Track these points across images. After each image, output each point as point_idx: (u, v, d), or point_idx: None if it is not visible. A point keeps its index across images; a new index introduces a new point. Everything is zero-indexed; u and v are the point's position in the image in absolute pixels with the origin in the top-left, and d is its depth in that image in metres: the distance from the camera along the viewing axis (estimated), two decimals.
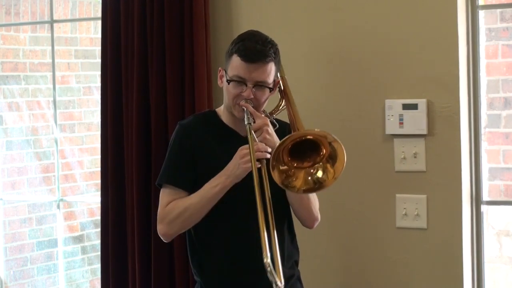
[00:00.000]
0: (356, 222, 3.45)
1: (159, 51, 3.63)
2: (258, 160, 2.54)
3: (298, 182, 2.51)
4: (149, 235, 3.66)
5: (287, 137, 2.46)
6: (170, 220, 2.68)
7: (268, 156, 2.52)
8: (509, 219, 3.99)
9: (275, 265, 2.38)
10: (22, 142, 5.05)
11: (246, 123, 2.60)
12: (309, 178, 2.50)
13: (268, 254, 2.37)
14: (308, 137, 2.47)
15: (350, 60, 3.44)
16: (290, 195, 2.69)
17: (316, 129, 2.49)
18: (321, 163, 2.49)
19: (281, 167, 2.47)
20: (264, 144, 2.57)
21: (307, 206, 2.74)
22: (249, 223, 2.61)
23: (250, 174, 2.55)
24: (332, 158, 2.48)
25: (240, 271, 2.70)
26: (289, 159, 2.48)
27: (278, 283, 2.34)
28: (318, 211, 2.79)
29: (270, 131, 2.60)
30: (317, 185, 2.52)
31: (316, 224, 2.81)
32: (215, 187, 2.62)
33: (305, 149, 2.49)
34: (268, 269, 2.34)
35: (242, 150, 2.59)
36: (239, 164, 2.58)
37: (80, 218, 5.25)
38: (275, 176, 2.45)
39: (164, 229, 2.71)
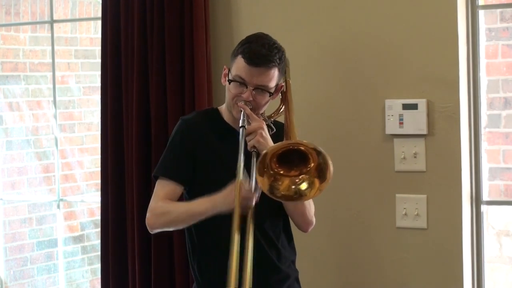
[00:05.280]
0: (356, 222, 3.45)
1: (159, 51, 3.63)
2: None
3: (281, 188, 2.45)
4: (149, 235, 3.66)
5: (275, 145, 2.45)
6: (158, 215, 2.69)
7: (253, 204, 2.48)
8: (509, 219, 3.99)
9: None
10: (22, 142, 5.05)
11: (240, 125, 2.60)
12: (292, 187, 2.45)
13: (232, 282, 2.31)
14: (299, 147, 2.43)
15: (350, 60, 3.44)
16: None
17: (305, 141, 2.43)
18: (307, 176, 2.44)
19: (270, 172, 2.42)
20: (253, 187, 2.49)
21: (301, 211, 2.73)
22: (246, 224, 2.61)
23: None
24: (320, 172, 2.42)
25: None
26: (277, 165, 2.44)
27: None
28: (313, 216, 2.77)
29: (264, 134, 2.59)
30: (296, 196, 2.47)
31: (311, 228, 2.80)
32: (201, 209, 2.62)
33: (294, 158, 2.44)
34: None
35: (232, 191, 2.52)
36: (225, 203, 2.54)
37: (80, 218, 5.26)
38: (263, 182, 2.42)
39: (151, 220, 2.71)
